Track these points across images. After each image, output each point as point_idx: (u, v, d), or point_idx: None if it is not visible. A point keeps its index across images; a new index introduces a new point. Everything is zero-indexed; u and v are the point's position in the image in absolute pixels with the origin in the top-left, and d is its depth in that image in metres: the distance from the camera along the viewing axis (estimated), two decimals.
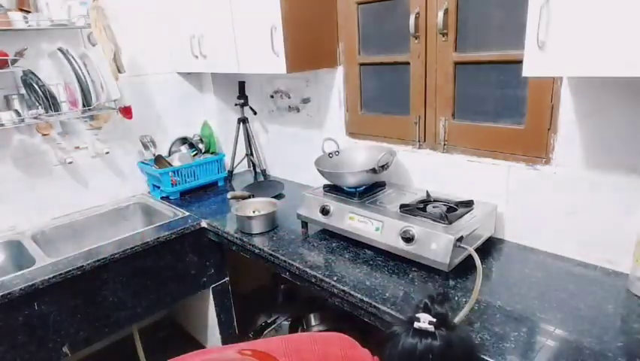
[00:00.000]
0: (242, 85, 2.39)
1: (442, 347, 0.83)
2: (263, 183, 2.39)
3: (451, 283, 1.33)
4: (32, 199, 2.00)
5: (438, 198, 1.61)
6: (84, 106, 1.92)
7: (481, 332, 1.11)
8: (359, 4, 1.84)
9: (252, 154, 2.51)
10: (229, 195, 2.09)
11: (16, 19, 1.76)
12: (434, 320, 0.85)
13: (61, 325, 1.61)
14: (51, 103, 1.85)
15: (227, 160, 2.49)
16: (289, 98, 2.32)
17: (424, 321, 0.85)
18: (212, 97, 2.52)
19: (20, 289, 1.48)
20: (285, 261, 1.56)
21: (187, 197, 2.29)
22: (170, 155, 2.41)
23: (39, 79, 1.84)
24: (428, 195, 1.64)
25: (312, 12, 1.81)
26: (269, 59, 1.79)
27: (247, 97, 2.41)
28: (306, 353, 0.88)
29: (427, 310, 0.88)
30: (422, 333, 0.84)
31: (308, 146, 2.26)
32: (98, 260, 1.65)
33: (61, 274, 1.56)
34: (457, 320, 1.09)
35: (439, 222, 1.40)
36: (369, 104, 1.97)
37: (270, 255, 1.62)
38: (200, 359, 0.90)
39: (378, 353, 0.91)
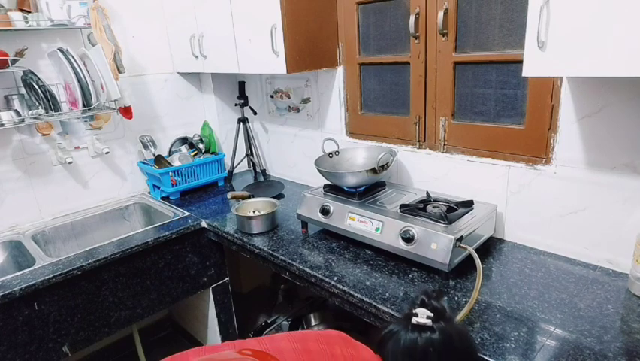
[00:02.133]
0: (242, 85, 2.40)
1: (441, 340, 0.84)
2: (263, 183, 2.39)
3: (451, 283, 1.33)
4: (32, 199, 2.01)
5: (438, 198, 1.61)
6: (84, 106, 1.92)
7: (481, 332, 1.11)
8: (359, 4, 1.84)
9: (252, 154, 2.52)
10: (229, 195, 2.09)
11: (16, 19, 1.77)
12: (432, 314, 0.86)
13: (61, 325, 1.61)
14: (51, 103, 1.85)
15: (228, 160, 2.49)
16: (289, 98, 2.32)
17: (422, 316, 0.85)
18: (212, 97, 2.52)
19: (20, 289, 1.48)
20: (285, 261, 1.56)
21: (187, 197, 2.29)
22: (170, 155, 2.41)
23: (39, 79, 1.84)
24: (428, 195, 1.64)
25: (312, 12, 1.81)
26: (269, 59, 1.79)
27: (247, 97, 2.42)
28: (315, 355, 0.87)
29: (423, 305, 0.88)
30: (421, 328, 0.85)
31: (308, 146, 2.27)
32: (98, 260, 1.65)
33: (61, 274, 1.56)
34: (457, 319, 1.09)
35: (439, 222, 1.40)
36: (369, 104, 1.97)
37: (270, 255, 1.62)
38: (200, 359, 0.90)
39: (377, 353, 0.91)
